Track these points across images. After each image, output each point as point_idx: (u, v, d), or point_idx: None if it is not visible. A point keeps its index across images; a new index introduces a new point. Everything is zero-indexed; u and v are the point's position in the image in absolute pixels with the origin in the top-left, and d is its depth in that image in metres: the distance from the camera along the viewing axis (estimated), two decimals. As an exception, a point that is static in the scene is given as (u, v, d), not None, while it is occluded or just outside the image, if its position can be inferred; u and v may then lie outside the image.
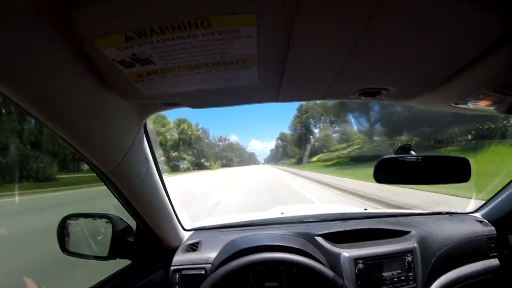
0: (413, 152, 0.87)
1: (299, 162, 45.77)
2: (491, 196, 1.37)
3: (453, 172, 0.91)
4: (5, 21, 0.33)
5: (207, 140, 65.75)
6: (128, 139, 0.69)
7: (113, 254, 0.93)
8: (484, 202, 1.41)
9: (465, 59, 0.47)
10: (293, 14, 0.36)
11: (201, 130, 62.73)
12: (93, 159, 0.62)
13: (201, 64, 0.45)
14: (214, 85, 0.53)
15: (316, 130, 48.52)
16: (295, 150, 55.74)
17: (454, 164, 0.92)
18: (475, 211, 1.42)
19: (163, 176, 0.96)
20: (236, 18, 0.36)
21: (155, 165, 0.89)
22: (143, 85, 0.51)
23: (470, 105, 0.65)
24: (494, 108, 0.65)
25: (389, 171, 0.89)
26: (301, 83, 0.57)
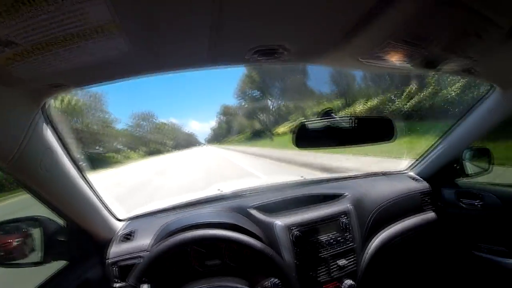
0: (334, 115, 0.99)
1: (255, 136, 37.85)
2: (423, 154, 1.68)
3: (378, 132, 1.07)
4: None
5: (101, 114, 41.19)
6: (21, 129, 0.74)
7: (47, 257, 0.99)
8: (417, 160, 1.72)
9: (366, 7, 0.51)
10: None
11: (88, 97, 38.01)
12: None
13: (63, 38, 0.50)
14: (87, 59, 0.59)
15: (276, 91, 37.87)
16: (245, 122, 48.65)
17: (378, 124, 1.09)
18: (409, 170, 1.74)
19: (80, 165, 1.01)
20: None
21: (67, 154, 0.94)
22: (16, 69, 0.56)
23: (382, 60, 0.73)
24: (408, 62, 0.75)
25: (310, 136, 1.00)
26: (179, 48, 0.61)
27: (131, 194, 8.16)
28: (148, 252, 1.13)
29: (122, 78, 0.76)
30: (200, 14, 0.51)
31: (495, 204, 1.39)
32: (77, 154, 1.02)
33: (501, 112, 1.29)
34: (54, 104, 0.87)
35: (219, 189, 1.64)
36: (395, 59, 0.72)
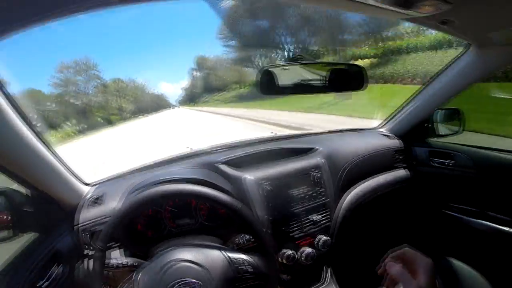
0: (303, 62, 1.03)
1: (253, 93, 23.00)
2: (394, 111, 1.79)
3: (349, 81, 1.10)
4: None
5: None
6: None
7: (16, 230, 0.99)
8: (389, 117, 1.83)
9: None
10: None
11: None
12: None
13: None
14: None
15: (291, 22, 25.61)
16: (231, 75, 37.03)
17: (349, 72, 1.12)
18: (381, 127, 1.85)
19: (35, 125, 0.98)
20: None
21: (17, 112, 0.90)
22: None
23: None
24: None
25: (275, 82, 1.03)
26: None
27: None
28: None
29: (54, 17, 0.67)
30: None
31: (466, 165, 1.50)
32: (31, 113, 0.97)
33: (474, 72, 1.36)
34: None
35: (188, 147, 1.68)
36: None
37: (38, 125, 1.01)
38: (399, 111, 1.76)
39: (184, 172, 1.28)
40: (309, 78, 1.04)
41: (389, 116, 1.83)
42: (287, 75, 1.03)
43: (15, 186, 1.03)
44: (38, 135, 1.00)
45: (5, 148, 0.89)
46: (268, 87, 1.03)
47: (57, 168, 1.11)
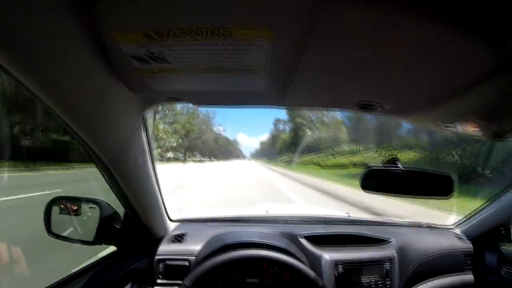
0: (399, 165, 1.07)
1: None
2: (471, 213, 1.70)
3: (437, 187, 1.13)
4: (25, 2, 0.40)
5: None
6: (128, 129, 0.84)
7: (99, 239, 1.09)
8: (464, 218, 1.74)
9: (456, 85, 0.60)
10: (307, 34, 0.46)
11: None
12: (94, 146, 0.77)
13: (214, 68, 0.57)
14: (221, 87, 0.67)
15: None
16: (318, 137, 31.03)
17: (437, 179, 1.14)
18: (455, 226, 1.76)
19: (155, 167, 1.13)
20: (255, 31, 0.45)
21: (150, 156, 1.06)
22: (153, 80, 0.63)
23: (459, 128, 0.84)
24: (480, 133, 0.85)
25: (375, 180, 1.10)
26: (304, 93, 0.73)
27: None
28: (195, 257, 1.24)
29: (241, 105, 0.86)
30: (332, 78, 0.63)
31: None
32: (154, 156, 1.10)
33: None
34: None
35: (266, 211, 1.78)
36: (469, 129, 0.83)
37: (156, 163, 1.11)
38: (475, 214, 1.70)
39: (269, 237, 1.34)
40: (403, 181, 1.09)
41: (465, 217, 1.77)
42: (385, 176, 1.09)
43: (110, 202, 1.13)
44: (155, 172, 1.12)
45: (136, 180, 1.02)
46: (369, 184, 1.10)
47: (159, 203, 1.22)
